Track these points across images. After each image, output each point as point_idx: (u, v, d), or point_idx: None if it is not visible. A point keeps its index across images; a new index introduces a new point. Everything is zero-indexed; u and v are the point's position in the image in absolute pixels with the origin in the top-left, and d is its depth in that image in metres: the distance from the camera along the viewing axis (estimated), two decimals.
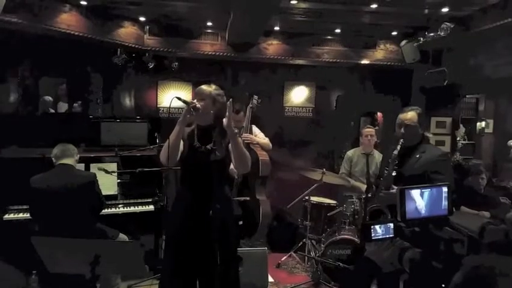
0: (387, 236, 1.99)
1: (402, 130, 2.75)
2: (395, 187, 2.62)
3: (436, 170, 2.60)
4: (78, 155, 3.29)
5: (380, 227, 1.95)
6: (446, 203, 2.08)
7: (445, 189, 2.09)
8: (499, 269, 1.15)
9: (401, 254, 1.96)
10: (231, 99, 2.36)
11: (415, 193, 2.02)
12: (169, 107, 2.51)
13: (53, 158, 3.14)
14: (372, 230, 1.94)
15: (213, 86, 2.53)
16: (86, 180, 3.14)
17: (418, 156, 2.71)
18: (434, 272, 1.92)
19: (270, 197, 4.64)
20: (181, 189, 2.57)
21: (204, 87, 2.51)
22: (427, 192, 2.04)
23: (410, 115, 2.76)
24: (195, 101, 2.42)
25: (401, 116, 2.80)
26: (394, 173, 2.71)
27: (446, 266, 1.74)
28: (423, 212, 2.04)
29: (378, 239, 1.94)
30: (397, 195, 1.99)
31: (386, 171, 2.73)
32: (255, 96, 4.46)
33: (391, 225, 1.99)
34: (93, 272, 2.10)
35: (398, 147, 2.71)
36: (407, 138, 2.73)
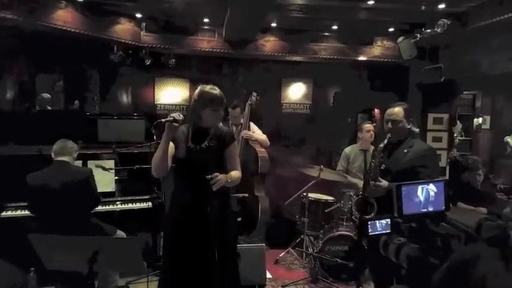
0: (384, 232, 1.99)
1: (389, 125, 2.83)
2: (383, 180, 2.72)
3: (423, 164, 2.68)
4: (77, 152, 3.28)
5: (377, 223, 1.96)
6: (443, 198, 2.09)
7: (442, 185, 2.09)
8: (483, 256, 1.17)
9: (398, 250, 1.97)
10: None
11: (412, 189, 2.03)
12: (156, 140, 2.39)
13: (52, 154, 3.14)
14: (369, 226, 1.95)
15: (217, 90, 2.49)
16: (82, 176, 3.13)
17: (406, 151, 2.78)
18: (431, 267, 1.93)
19: (268, 194, 4.65)
20: (178, 188, 2.56)
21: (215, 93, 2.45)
22: (424, 187, 2.05)
23: (396, 110, 2.83)
24: (172, 115, 2.34)
25: (388, 111, 2.88)
26: (382, 167, 2.79)
27: (443, 262, 1.74)
28: (420, 207, 2.05)
29: (375, 234, 1.95)
30: (394, 191, 2.00)
31: (372, 164, 2.80)
32: (254, 93, 4.45)
33: (388, 220, 2.00)
34: (91, 269, 2.10)
35: (385, 141, 2.79)
36: (394, 133, 2.80)
